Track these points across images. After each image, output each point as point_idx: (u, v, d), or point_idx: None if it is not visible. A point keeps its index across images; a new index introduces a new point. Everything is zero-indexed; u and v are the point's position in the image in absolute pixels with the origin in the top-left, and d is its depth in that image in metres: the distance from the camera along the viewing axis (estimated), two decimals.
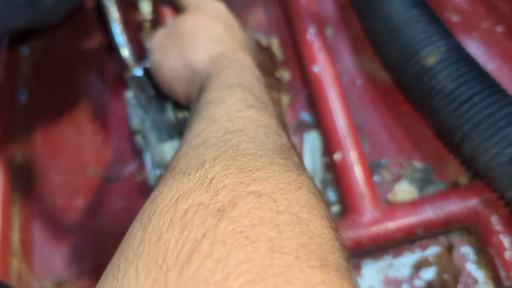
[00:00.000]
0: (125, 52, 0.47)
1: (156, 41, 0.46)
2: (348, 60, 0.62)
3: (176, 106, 0.51)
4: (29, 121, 0.75)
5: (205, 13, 0.46)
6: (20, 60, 0.79)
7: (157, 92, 0.49)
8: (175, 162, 0.27)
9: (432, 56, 0.45)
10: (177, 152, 0.30)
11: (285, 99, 0.62)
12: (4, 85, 0.75)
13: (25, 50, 0.81)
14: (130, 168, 0.66)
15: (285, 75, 0.63)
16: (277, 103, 0.37)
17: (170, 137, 0.53)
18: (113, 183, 0.66)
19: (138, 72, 0.48)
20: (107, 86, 0.74)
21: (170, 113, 0.50)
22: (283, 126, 0.33)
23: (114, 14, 0.46)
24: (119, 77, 0.74)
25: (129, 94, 0.51)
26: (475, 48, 0.55)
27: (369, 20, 0.52)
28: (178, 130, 0.53)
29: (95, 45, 0.79)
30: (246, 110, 0.31)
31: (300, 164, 0.28)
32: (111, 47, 0.77)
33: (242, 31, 0.49)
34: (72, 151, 0.70)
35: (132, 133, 0.61)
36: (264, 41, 0.65)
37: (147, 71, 0.48)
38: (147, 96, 0.50)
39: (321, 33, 0.60)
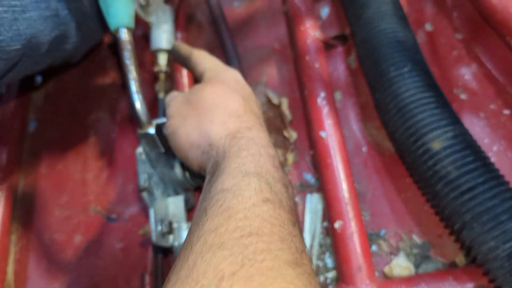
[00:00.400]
0: (140, 109, 0.48)
1: (175, 107, 0.47)
2: (355, 125, 0.63)
3: (184, 165, 0.52)
4: (36, 151, 0.76)
5: (224, 85, 0.47)
6: (32, 89, 0.81)
7: (167, 149, 0.50)
8: (191, 262, 0.27)
9: (438, 141, 0.46)
10: (191, 241, 0.30)
11: (290, 158, 0.63)
12: (15, 113, 0.77)
13: (38, 78, 0.82)
14: (132, 210, 0.66)
15: (293, 134, 0.64)
16: (288, 185, 0.38)
17: (176, 193, 0.53)
18: (113, 223, 0.66)
19: (151, 130, 0.49)
20: (116, 124, 0.75)
21: (178, 171, 0.51)
22: (296, 220, 0.34)
23: (132, 74, 0.47)
24: (129, 116, 0.75)
25: (139, 150, 0.52)
26: (480, 129, 0.56)
27: (380, 95, 0.53)
28: (184, 187, 0.54)
29: (107, 82, 0.80)
30: (262, 205, 0.32)
31: (311, 273, 0.28)
32: (124, 85, 0.78)
33: (258, 103, 0.50)
34: (75, 186, 0.71)
35: (135, 175, 0.62)
36: (275, 98, 0.67)
37: (158, 128, 0.49)
38: (157, 152, 0.51)
39: (330, 98, 0.61)
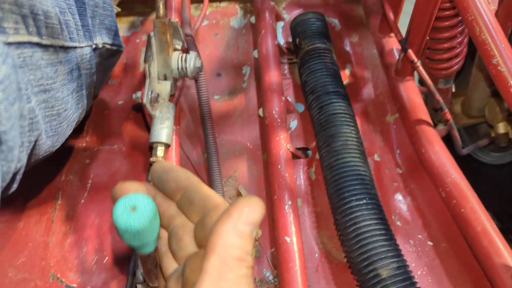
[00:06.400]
0: None
1: None
2: (309, 232, 0.73)
3: None
4: None
5: None
6: None
7: None
8: None
9: (386, 270, 0.58)
10: None
11: (254, 253, 0.71)
12: None
13: None
14: (94, 282, 0.68)
15: (259, 232, 0.72)
16: None
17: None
18: None
19: None
20: (85, 190, 0.77)
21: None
22: None
23: None
24: (99, 183, 0.78)
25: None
26: (409, 254, 0.70)
27: (340, 218, 0.65)
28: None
29: (82, 146, 0.83)
30: None
31: None
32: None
33: None
34: (35, 248, 0.71)
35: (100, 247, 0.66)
36: (246, 194, 0.75)
37: None
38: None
39: (295, 207, 0.71)
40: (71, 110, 0.56)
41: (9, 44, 0.41)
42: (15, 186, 0.45)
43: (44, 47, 0.47)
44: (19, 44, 0.43)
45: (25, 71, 0.44)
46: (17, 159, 0.42)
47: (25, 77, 0.44)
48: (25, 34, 0.44)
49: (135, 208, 0.32)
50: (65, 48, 0.52)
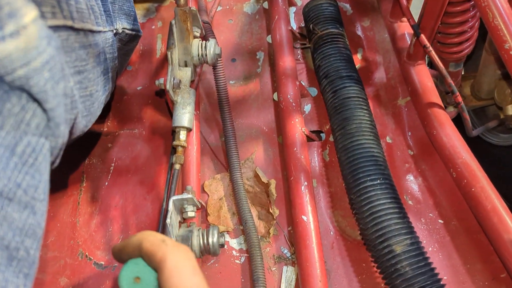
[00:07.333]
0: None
1: None
2: (325, 211, 0.76)
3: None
4: None
5: None
6: None
7: None
8: None
9: (400, 246, 0.61)
10: None
11: (272, 231, 0.74)
12: None
13: None
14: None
15: (276, 211, 0.75)
16: None
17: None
18: (101, 271, 0.71)
19: None
20: (109, 172, 0.81)
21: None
22: None
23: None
24: (121, 166, 0.82)
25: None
26: (420, 232, 0.73)
27: (355, 197, 0.67)
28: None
29: (104, 130, 0.86)
30: None
31: None
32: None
33: None
34: (64, 228, 0.75)
35: (125, 227, 0.69)
36: (264, 177, 0.78)
37: None
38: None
39: (310, 187, 0.74)
40: (101, 91, 0.59)
41: (48, 27, 0.44)
42: (57, 161, 0.49)
43: (76, 30, 0.50)
44: (56, 27, 0.45)
45: (62, 53, 0.47)
46: (63, 135, 0.45)
47: (63, 59, 0.47)
48: (61, 18, 0.46)
49: (139, 279, 0.39)
50: (93, 32, 0.55)
